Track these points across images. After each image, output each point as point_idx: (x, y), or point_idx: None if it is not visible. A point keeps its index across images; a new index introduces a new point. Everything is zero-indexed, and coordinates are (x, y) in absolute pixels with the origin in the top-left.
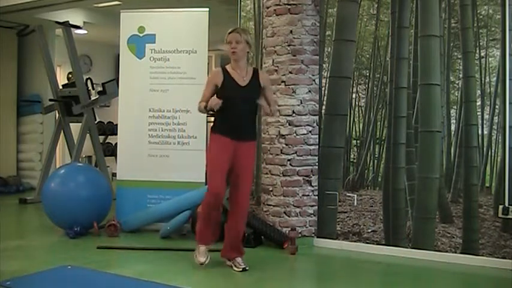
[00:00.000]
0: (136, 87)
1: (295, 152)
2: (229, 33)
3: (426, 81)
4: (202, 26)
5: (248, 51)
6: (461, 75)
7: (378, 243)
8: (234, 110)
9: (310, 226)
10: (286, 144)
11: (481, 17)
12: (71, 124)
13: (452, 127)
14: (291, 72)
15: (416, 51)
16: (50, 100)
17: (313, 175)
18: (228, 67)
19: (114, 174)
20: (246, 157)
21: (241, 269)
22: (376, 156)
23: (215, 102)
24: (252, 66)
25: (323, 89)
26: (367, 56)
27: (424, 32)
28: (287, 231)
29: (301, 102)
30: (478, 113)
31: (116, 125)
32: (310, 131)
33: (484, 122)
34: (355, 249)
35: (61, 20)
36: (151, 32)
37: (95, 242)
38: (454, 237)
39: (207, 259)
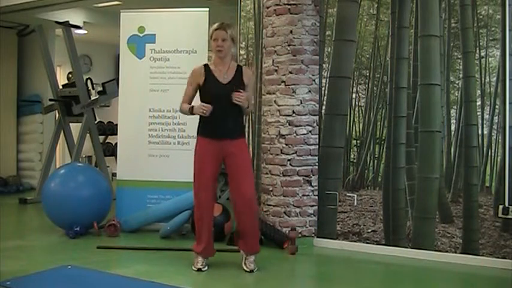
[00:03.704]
0: (136, 87)
1: (295, 152)
2: (215, 29)
3: (426, 81)
4: (202, 26)
5: (233, 47)
6: (461, 75)
7: (378, 243)
8: (217, 109)
9: (310, 226)
10: (286, 144)
11: (481, 17)
12: (71, 124)
13: (452, 127)
14: (291, 72)
15: (416, 51)
16: (50, 100)
17: (313, 175)
18: (210, 64)
19: (114, 174)
20: (238, 155)
21: (248, 270)
22: (376, 156)
23: (204, 108)
24: (236, 63)
25: (323, 89)
26: (367, 56)
27: (424, 32)
28: (287, 231)
29: (301, 102)
30: (478, 113)
31: (116, 125)
32: (310, 131)
33: (484, 122)
34: (355, 249)
35: (61, 20)
36: (151, 32)
37: (95, 242)
38: (454, 237)
39: (204, 267)
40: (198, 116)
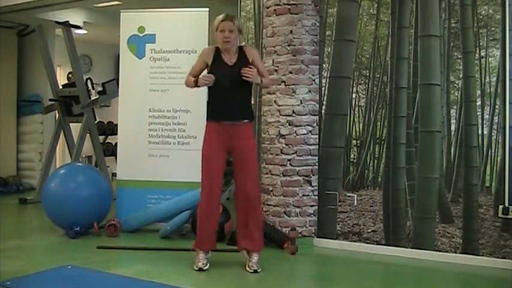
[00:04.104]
0: (136, 87)
1: (295, 152)
2: (222, 21)
3: (426, 81)
4: (202, 26)
5: (240, 38)
6: (461, 75)
7: (378, 243)
8: (225, 91)
9: (310, 226)
10: (286, 144)
11: (481, 17)
12: (71, 124)
13: (452, 127)
14: (291, 72)
15: (416, 51)
16: (50, 100)
17: (313, 175)
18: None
19: (114, 174)
20: (243, 139)
21: (252, 271)
22: (376, 156)
23: (206, 79)
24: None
25: (323, 89)
26: (367, 56)
27: (424, 32)
28: (287, 231)
29: (301, 102)
30: (478, 113)
31: (116, 125)
32: (310, 131)
33: (484, 122)
34: (355, 249)
35: (61, 20)
36: (151, 32)
37: (95, 242)
38: (454, 237)
39: (205, 265)
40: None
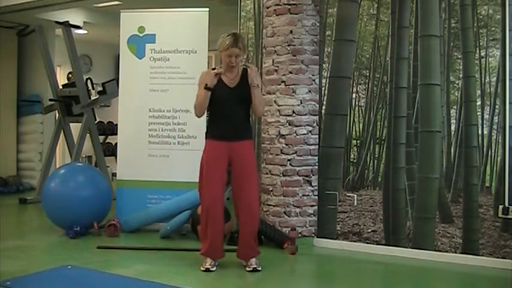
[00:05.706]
0: (136, 87)
1: (295, 152)
2: (229, 47)
3: (426, 81)
4: (202, 26)
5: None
6: (461, 75)
7: (378, 243)
8: (225, 112)
9: (310, 226)
10: (286, 144)
11: (481, 17)
12: (71, 124)
13: (452, 127)
14: (291, 72)
15: (416, 51)
16: (50, 100)
17: (313, 175)
18: (219, 69)
19: (114, 174)
20: (243, 157)
21: (251, 269)
22: (376, 156)
23: (210, 77)
24: (242, 66)
25: (323, 89)
26: (367, 56)
27: (424, 32)
28: (287, 231)
29: (301, 102)
30: (478, 113)
31: (116, 125)
32: (310, 131)
33: (484, 122)
34: (355, 249)
35: (61, 20)
36: (151, 32)
37: (95, 242)
38: (454, 237)
39: (213, 267)
40: (204, 118)
